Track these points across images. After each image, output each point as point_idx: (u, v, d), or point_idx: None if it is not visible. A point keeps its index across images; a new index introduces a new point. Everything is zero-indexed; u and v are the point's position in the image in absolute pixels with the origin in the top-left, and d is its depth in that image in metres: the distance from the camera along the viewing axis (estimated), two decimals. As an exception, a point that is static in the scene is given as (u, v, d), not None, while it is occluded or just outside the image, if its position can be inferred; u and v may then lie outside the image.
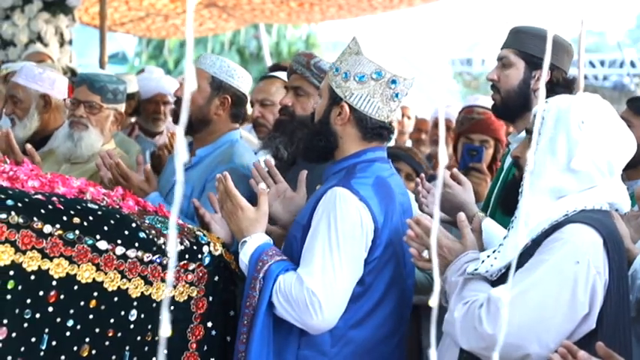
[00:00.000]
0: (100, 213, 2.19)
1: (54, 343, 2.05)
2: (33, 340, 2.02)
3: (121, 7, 8.60)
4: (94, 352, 2.12)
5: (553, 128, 2.00)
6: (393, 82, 2.25)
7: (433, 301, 0.90)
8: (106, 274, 2.14)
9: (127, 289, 2.17)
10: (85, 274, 2.10)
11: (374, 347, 2.30)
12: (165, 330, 0.89)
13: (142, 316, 2.20)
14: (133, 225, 2.23)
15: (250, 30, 16.08)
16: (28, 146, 2.94)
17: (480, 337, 1.87)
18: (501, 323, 1.85)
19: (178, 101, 3.12)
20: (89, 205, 2.21)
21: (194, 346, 2.29)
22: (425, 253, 2.10)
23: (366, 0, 8.14)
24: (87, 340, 2.11)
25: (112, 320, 2.15)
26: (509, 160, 2.76)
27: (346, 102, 2.27)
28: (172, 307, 2.25)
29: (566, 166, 1.98)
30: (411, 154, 3.66)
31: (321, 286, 2.13)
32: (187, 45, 0.90)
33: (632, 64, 17.59)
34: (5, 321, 1.97)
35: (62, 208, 2.12)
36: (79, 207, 2.16)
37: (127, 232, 2.19)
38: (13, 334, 1.98)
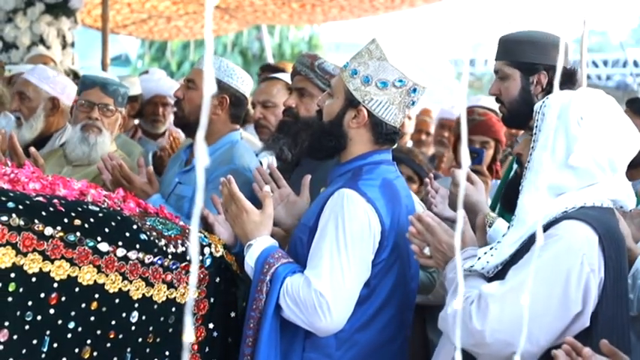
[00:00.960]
0: (101, 215, 2.19)
1: (55, 345, 2.05)
2: (34, 342, 2.02)
3: (123, 9, 8.60)
4: (95, 353, 2.12)
5: (552, 124, 1.98)
6: (414, 90, 2.28)
7: (457, 304, 0.89)
8: (107, 275, 2.14)
9: (129, 290, 2.17)
10: (86, 276, 2.10)
11: (377, 350, 2.29)
12: (188, 335, 0.87)
13: (144, 317, 2.20)
14: (134, 227, 2.22)
15: (253, 31, 16.09)
16: (32, 149, 2.94)
17: (470, 333, 1.85)
18: (491, 319, 1.83)
19: (178, 102, 3.12)
20: (90, 207, 2.21)
21: (195, 347, 2.29)
22: (426, 250, 2.09)
23: (367, 1, 8.13)
24: (88, 342, 2.11)
25: (113, 322, 2.15)
26: None
27: (364, 106, 2.27)
28: (173, 309, 2.25)
29: (565, 162, 1.96)
30: (412, 156, 3.66)
31: (330, 288, 2.12)
32: (206, 49, 0.89)
33: (635, 64, 17.56)
34: (6, 323, 1.97)
35: (63, 210, 2.12)
36: (80, 209, 2.16)
37: (128, 234, 2.19)
38: (15, 337, 1.98)
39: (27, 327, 2.01)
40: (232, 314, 2.37)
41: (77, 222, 2.11)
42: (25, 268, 2.01)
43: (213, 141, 3.10)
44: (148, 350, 2.21)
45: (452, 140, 4.08)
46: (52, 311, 2.04)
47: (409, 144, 5.90)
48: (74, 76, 5.89)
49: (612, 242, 1.92)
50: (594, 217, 1.92)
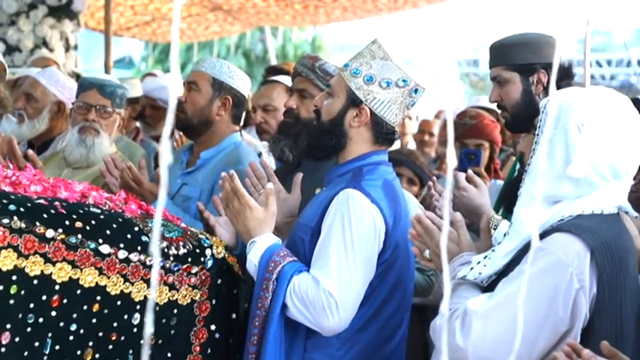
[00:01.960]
0: (102, 217, 2.19)
1: (57, 347, 2.05)
2: (36, 344, 2.02)
3: (126, 11, 8.63)
4: (97, 355, 2.12)
5: (553, 128, 1.89)
6: (415, 91, 2.30)
7: (443, 306, 0.89)
8: (108, 277, 2.14)
9: (130, 292, 2.17)
10: (88, 278, 2.11)
11: (376, 349, 2.29)
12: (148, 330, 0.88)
13: (145, 319, 2.20)
14: (136, 229, 2.23)
15: (256, 33, 16.09)
16: (30, 152, 2.94)
17: (453, 349, 1.78)
18: (473, 337, 1.76)
19: (180, 104, 3.12)
20: (91, 209, 2.21)
21: (198, 349, 2.29)
22: (426, 253, 2.08)
23: (370, 1, 8.14)
24: (90, 344, 2.11)
25: (115, 324, 2.15)
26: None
27: (366, 105, 2.28)
28: (175, 310, 2.25)
29: (563, 173, 1.86)
30: (413, 158, 3.66)
31: (338, 288, 2.13)
32: (172, 49, 0.90)
33: (639, 63, 17.53)
34: (8, 326, 1.97)
35: (65, 212, 2.12)
36: (81, 211, 2.16)
37: (129, 236, 2.19)
38: (17, 339, 1.98)
39: (29, 329, 2.01)
40: (234, 316, 2.37)
41: (78, 224, 2.12)
42: (27, 270, 2.01)
43: (217, 142, 3.11)
44: (150, 352, 2.21)
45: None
46: (53, 313, 2.05)
47: (412, 144, 5.89)
48: (77, 78, 5.91)
49: (608, 253, 1.82)
50: (589, 229, 1.83)
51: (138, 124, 5.25)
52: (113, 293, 2.15)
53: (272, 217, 2.30)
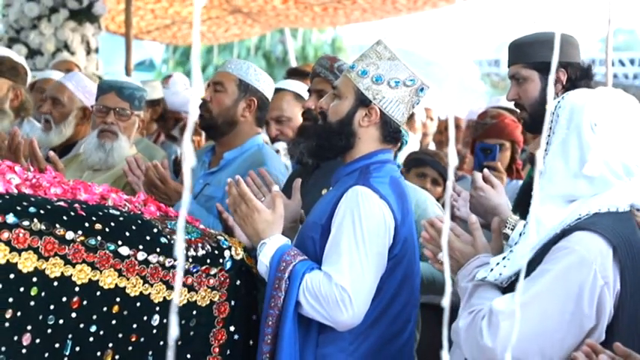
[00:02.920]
0: (121, 219, 2.20)
1: (77, 348, 2.07)
2: (57, 345, 2.04)
3: (147, 15, 8.68)
4: (117, 357, 2.13)
5: (566, 128, 1.93)
6: (422, 90, 2.36)
7: (445, 302, 0.90)
8: (128, 279, 2.15)
9: (149, 294, 2.18)
10: (108, 279, 2.12)
11: (385, 344, 2.31)
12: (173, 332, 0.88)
13: (165, 320, 2.20)
14: (155, 230, 2.24)
15: (276, 34, 16.14)
16: (51, 153, 2.95)
17: (481, 350, 1.82)
18: (502, 336, 1.78)
19: (204, 104, 3.14)
20: (111, 211, 2.22)
21: (217, 350, 2.29)
22: (440, 256, 2.08)
23: (390, 2, 8.13)
24: (110, 345, 2.12)
25: (134, 325, 2.16)
26: None
27: (376, 105, 2.31)
28: (194, 312, 2.25)
29: (579, 171, 1.90)
30: (438, 158, 3.65)
31: (350, 282, 2.15)
32: (193, 51, 0.90)
33: (663, 62, 17.34)
34: (29, 327, 1.99)
35: (84, 214, 2.13)
36: (100, 213, 2.18)
37: (148, 238, 2.20)
38: (37, 340, 2.00)
39: (49, 331, 2.02)
40: (253, 317, 2.38)
41: (98, 226, 2.13)
42: (47, 272, 2.02)
43: (240, 143, 3.13)
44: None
45: (470, 142, 4.08)
46: (73, 315, 2.06)
47: (431, 145, 5.88)
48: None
49: (629, 250, 1.86)
50: (608, 227, 1.86)
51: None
52: (132, 295, 2.15)
53: (280, 218, 2.32)
